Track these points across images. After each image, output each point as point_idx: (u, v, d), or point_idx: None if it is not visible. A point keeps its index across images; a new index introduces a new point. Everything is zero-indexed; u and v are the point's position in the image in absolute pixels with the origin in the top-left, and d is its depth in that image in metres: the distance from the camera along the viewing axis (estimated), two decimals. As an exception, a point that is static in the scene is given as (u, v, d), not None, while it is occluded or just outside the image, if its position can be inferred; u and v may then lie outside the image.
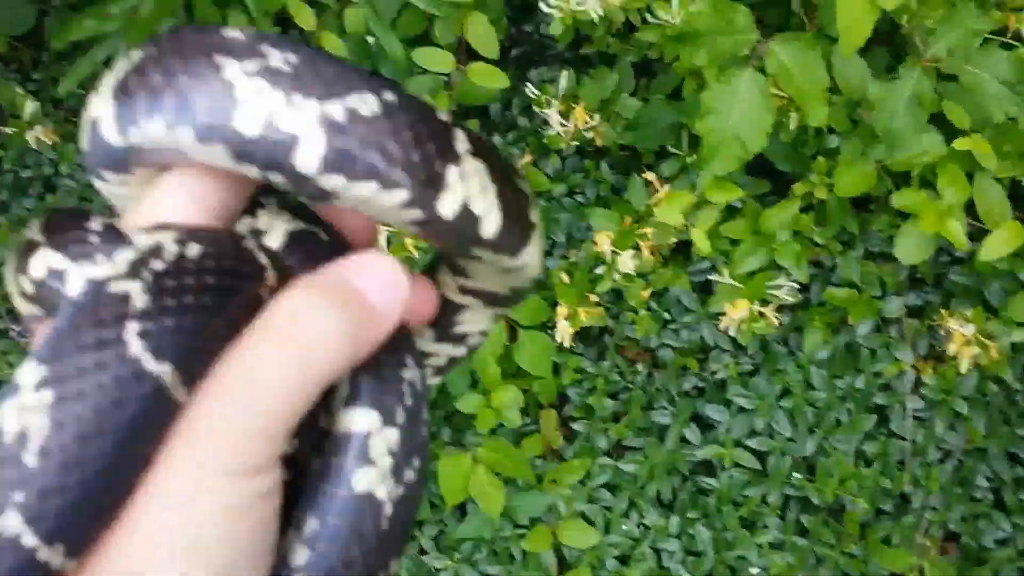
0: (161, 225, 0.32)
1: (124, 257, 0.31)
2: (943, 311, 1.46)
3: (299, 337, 0.31)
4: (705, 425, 2.06)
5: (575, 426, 2.02)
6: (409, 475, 0.33)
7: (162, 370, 0.29)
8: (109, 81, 0.33)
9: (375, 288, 0.33)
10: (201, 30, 0.32)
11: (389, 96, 0.32)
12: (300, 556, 0.32)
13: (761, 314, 1.42)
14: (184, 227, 0.32)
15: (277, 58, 0.32)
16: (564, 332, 1.68)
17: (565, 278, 1.71)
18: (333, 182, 0.32)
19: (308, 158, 0.31)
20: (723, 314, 1.56)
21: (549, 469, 1.72)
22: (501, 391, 1.82)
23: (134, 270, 0.30)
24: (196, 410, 0.30)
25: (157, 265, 0.30)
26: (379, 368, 0.34)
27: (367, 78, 0.32)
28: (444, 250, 0.39)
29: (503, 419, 1.85)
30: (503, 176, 0.36)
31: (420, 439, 0.34)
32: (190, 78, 0.31)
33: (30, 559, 0.27)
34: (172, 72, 0.31)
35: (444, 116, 0.34)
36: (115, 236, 0.35)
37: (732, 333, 1.61)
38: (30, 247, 0.35)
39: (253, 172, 0.32)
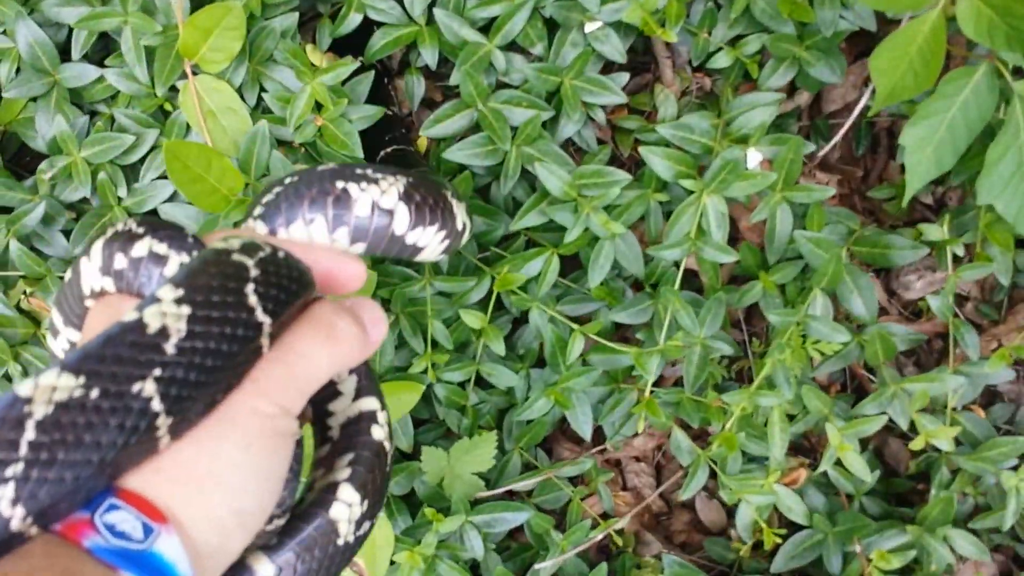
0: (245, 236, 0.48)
1: (236, 241, 0.46)
2: None
3: (338, 340, 0.47)
4: None
5: None
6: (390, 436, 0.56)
7: (266, 321, 0.43)
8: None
9: (374, 327, 0.50)
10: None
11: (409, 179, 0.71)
12: (344, 472, 0.52)
13: None
14: (264, 238, 0.49)
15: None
16: None
17: None
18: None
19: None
20: None
21: None
22: None
23: (245, 251, 0.45)
24: (254, 372, 0.44)
25: (262, 253, 0.45)
26: (367, 373, 0.56)
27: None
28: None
29: None
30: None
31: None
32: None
33: (150, 418, 0.39)
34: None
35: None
36: (200, 243, 0.49)
37: None
38: (131, 236, 0.48)
39: (360, 249, 0.66)
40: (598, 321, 1.11)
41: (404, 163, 1.15)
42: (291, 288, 0.45)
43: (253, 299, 0.43)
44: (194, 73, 1.04)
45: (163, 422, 0.39)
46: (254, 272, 0.44)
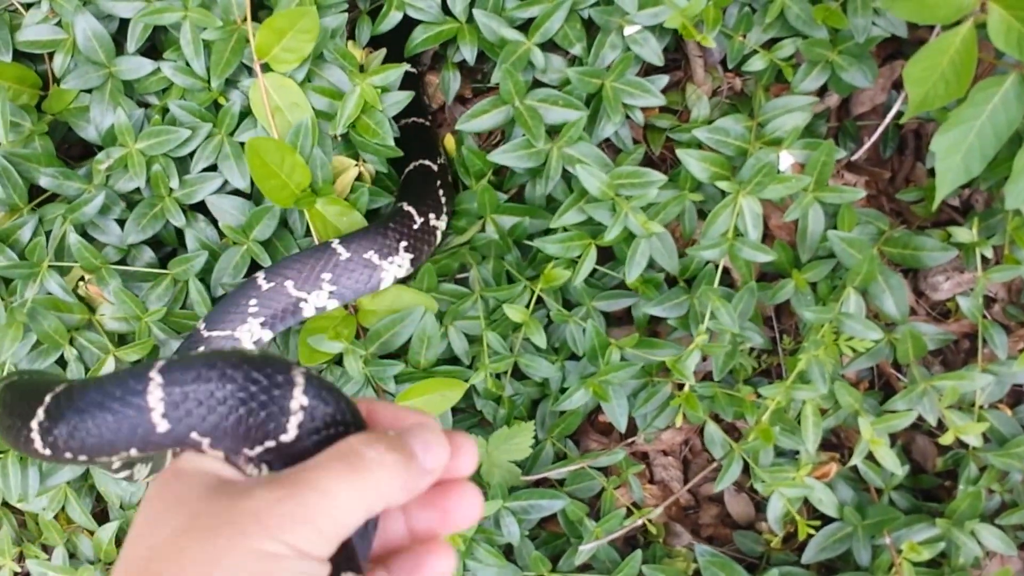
0: None
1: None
2: None
3: (366, 472, 0.42)
4: None
5: None
6: None
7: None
8: None
9: (427, 452, 0.44)
10: None
11: None
12: None
13: None
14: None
15: None
16: None
17: None
18: None
19: None
20: None
21: None
22: None
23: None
24: (260, 502, 0.41)
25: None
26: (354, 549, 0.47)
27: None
28: None
29: None
30: None
31: None
32: None
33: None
34: None
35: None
36: None
37: None
38: None
39: None
40: (633, 336, 1.14)
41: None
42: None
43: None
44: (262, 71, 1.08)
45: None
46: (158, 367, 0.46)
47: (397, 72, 1.11)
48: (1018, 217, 1.09)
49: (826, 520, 1.13)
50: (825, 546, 1.12)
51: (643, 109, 1.25)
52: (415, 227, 1.12)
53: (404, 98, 1.14)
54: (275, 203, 1.05)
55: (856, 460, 1.09)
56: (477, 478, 1.14)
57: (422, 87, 1.32)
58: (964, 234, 1.11)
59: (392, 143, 1.12)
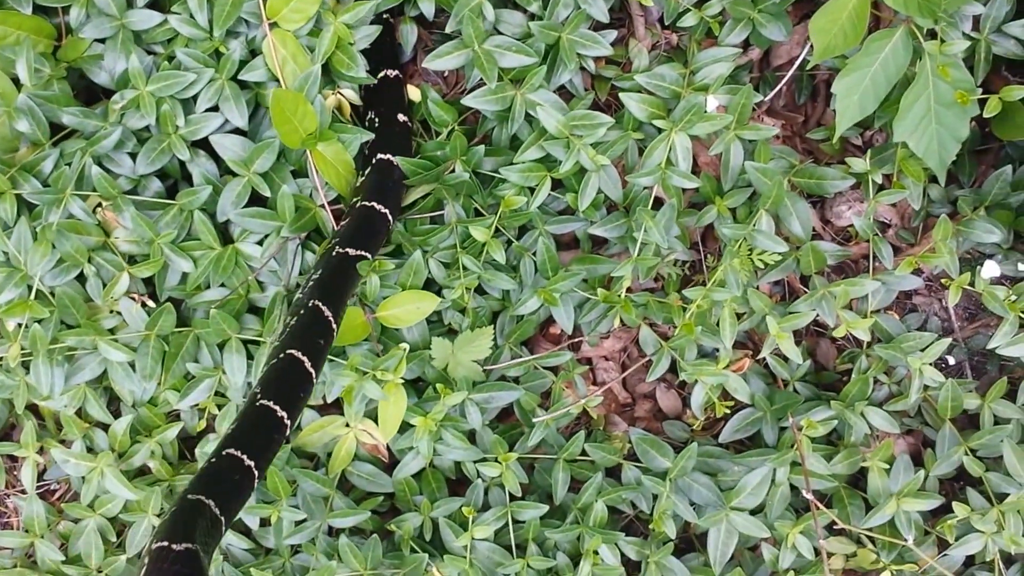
0: None
1: None
2: None
3: None
4: None
5: None
6: None
7: None
8: None
9: None
10: None
11: None
12: None
13: None
14: None
15: None
16: None
17: None
18: None
19: None
20: None
21: None
22: None
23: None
24: None
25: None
26: None
27: None
28: None
29: None
30: None
31: None
32: None
33: None
34: None
35: None
36: None
37: None
38: None
39: None
40: (582, 256, 1.30)
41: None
42: None
43: None
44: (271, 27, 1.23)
45: None
46: None
47: (366, 7, 1.25)
48: (904, 149, 1.26)
49: (739, 407, 1.30)
50: (739, 428, 1.30)
51: (594, 59, 1.39)
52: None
53: (374, 31, 1.28)
54: (287, 144, 1.20)
55: (765, 353, 1.26)
56: (444, 376, 1.30)
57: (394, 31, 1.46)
58: (859, 164, 1.27)
59: (364, 75, 1.27)
